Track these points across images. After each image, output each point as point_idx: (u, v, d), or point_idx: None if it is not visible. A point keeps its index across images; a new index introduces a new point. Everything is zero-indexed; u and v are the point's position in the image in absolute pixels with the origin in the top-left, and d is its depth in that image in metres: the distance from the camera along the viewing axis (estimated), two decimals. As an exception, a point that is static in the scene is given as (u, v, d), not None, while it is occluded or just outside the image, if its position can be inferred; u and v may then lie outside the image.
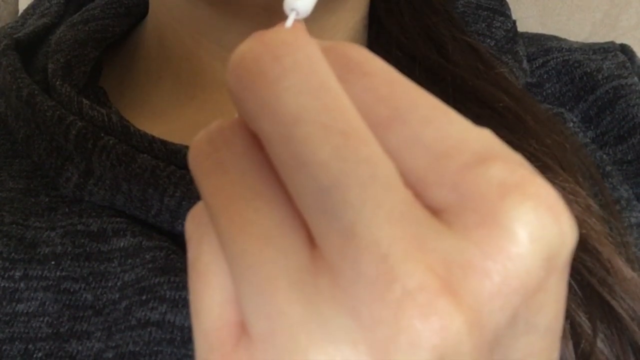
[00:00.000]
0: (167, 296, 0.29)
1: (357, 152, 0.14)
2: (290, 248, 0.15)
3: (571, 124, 0.38)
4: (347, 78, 0.15)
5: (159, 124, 0.38)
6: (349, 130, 0.14)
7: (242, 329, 0.15)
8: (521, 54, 0.41)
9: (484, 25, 0.42)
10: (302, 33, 0.15)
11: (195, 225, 0.17)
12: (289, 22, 0.16)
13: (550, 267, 0.14)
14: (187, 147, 0.33)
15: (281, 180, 0.15)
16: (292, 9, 0.16)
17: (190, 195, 0.32)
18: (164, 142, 0.33)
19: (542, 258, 0.14)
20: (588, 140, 0.38)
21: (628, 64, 0.41)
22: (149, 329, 0.29)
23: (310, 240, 0.15)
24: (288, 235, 0.15)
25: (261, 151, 0.16)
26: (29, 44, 0.41)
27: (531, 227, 0.14)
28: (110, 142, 0.33)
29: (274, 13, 0.35)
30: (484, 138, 0.15)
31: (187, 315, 0.29)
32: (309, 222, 0.15)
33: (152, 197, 0.32)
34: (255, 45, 0.15)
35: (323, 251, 0.14)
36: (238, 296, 0.15)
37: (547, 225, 0.14)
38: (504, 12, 0.43)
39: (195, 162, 0.16)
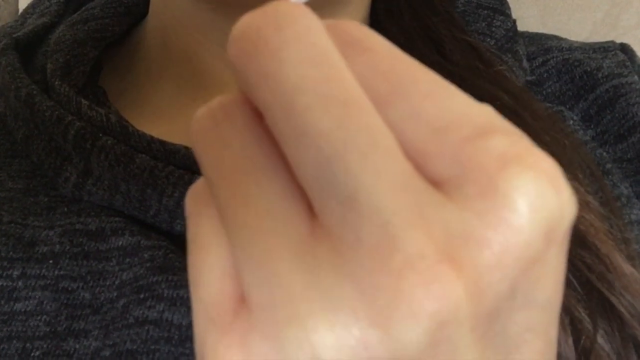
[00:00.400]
0: (165, 295, 0.29)
1: (358, 122, 0.14)
2: (290, 219, 0.15)
3: (571, 122, 0.38)
4: (348, 54, 0.15)
5: (160, 124, 0.38)
6: (350, 100, 0.14)
7: (241, 302, 0.15)
8: (521, 53, 0.41)
9: (484, 24, 0.42)
10: (304, 7, 0.16)
11: (196, 201, 0.17)
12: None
13: (550, 238, 0.14)
14: (186, 148, 0.33)
15: (282, 154, 0.15)
16: None
17: None
18: (162, 142, 0.33)
19: (542, 229, 0.14)
20: (588, 138, 0.38)
21: (628, 63, 0.41)
22: (146, 327, 0.29)
23: (311, 212, 0.15)
24: (288, 206, 0.15)
25: (262, 125, 0.16)
26: (28, 44, 0.41)
27: (531, 198, 0.14)
28: (109, 142, 0.33)
29: None
30: (485, 112, 0.15)
31: (185, 314, 0.29)
32: (309, 192, 0.15)
33: (151, 198, 0.32)
34: (257, 17, 0.15)
35: (324, 221, 0.14)
36: (238, 268, 0.15)
37: (547, 196, 0.14)
38: (504, 11, 0.43)
39: (197, 136, 0.16)
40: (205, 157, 0.16)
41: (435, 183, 0.15)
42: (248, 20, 0.15)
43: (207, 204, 0.16)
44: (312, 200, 0.15)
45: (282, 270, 0.14)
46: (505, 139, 0.14)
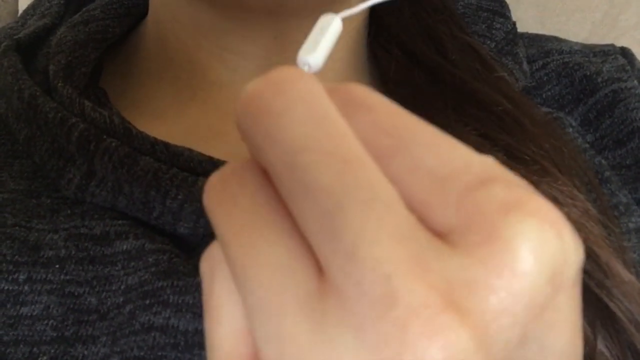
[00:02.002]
0: (171, 300, 0.29)
1: (358, 177, 0.15)
2: (299, 275, 0.15)
3: (570, 129, 0.38)
4: (351, 114, 0.16)
5: (160, 125, 0.38)
6: (350, 156, 0.15)
7: (256, 359, 0.16)
8: (521, 55, 0.41)
9: (484, 26, 0.42)
10: (305, 72, 0.16)
11: (210, 262, 0.17)
12: None
13: (556, 283, 0.14)
14: (189, 150, 0.33)
15: (289, 212, 0.16)
16: (305, 64, 0.18)
17: (192, 197, 0.32)
18: (166, 145, 0.33)
19: (546, 274, 0.14)
20: (587, 144, 0.38)
21: (628, 67, 0.41)
22: (152, 334, 0.29)
23: (318, 267, 0.15)
24: (297, 263, 0.15)
25: (271, 186, 0.16)
26: (29, 45, 0.41)
27: (534, 244, 0.14)
28: (113, 144, 0.33)
29: (276, 16, 0.35)
30: (486, 162, 0.15)
31: (191, 320, 0.29)
32: (314, 246, 0.15)
33: (154, 200, 0.32)
34: (260, 83, 0.16)
35: (329, 274, 0.15)
36: (250, 324, 0.16)
37: (549, 242, 0.14)
38: (504, 13, 0.43)
39: (209, 198, 0.17)
40: (216, 216, 0.17)
41: (439, 233, 0.15)
42: (252, 87, 0.16)
43: (221, 265, 0.17)
44: (317, 254, 0.15)
45: (290, 324, 0.15)
46: (507, 187, 0.15)
